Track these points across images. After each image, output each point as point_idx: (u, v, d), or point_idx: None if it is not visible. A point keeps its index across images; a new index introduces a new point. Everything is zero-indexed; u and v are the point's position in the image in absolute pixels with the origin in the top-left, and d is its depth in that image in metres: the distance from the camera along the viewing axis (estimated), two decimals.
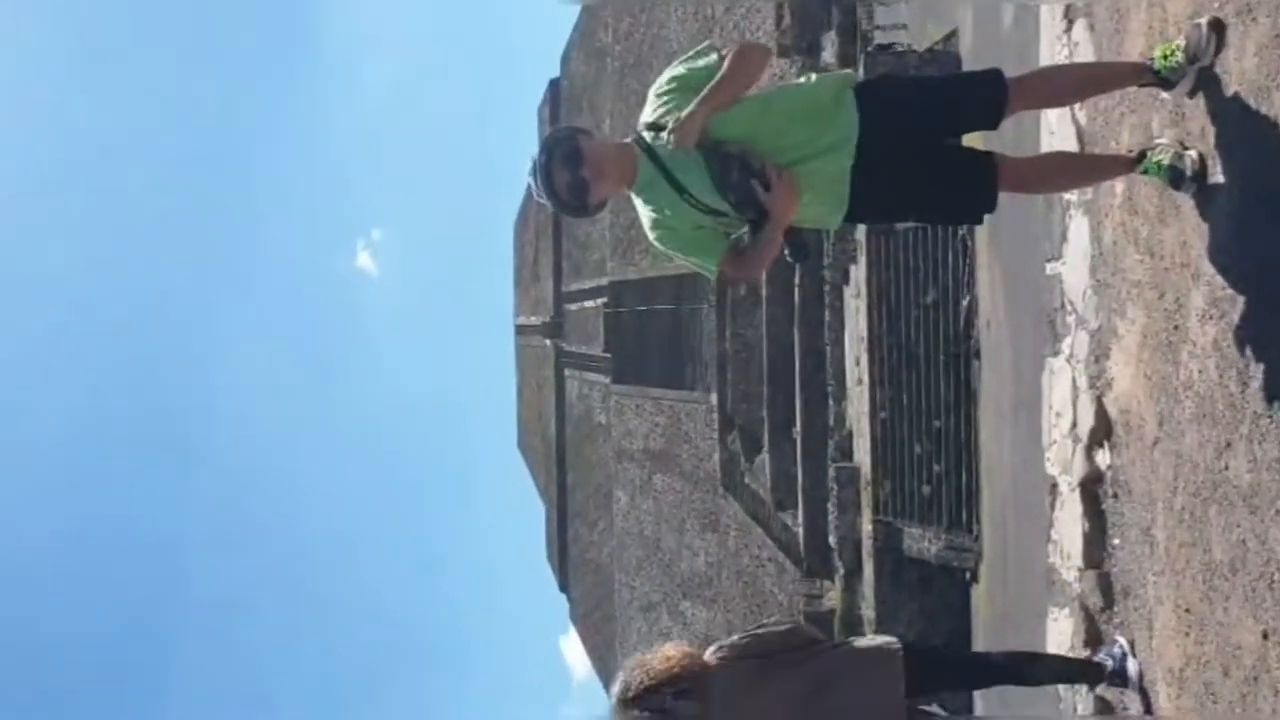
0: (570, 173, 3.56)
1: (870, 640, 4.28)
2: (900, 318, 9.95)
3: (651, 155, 3.60)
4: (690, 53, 3.74)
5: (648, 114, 3.69)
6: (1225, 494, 3.72)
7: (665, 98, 3.64)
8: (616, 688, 3.72)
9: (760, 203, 3.50)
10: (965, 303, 8.96)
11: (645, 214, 3.73)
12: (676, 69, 3.69)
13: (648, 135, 3.63)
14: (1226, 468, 3.72)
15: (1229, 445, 3.71)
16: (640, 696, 3.64)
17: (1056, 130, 5.09)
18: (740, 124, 3.55)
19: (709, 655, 3.87)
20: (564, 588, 25.10)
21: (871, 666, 3.87)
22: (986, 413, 8.30)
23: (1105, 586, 4.67)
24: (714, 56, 3.63)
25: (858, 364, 10.69)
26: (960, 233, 8.83)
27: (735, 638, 3.94)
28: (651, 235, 3.76)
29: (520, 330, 27.92)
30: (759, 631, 3.95)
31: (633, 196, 3.73)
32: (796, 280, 12.81)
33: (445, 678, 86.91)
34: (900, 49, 12.52)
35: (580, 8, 22.42)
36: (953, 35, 10.37)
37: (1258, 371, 3.54)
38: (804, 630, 4.16)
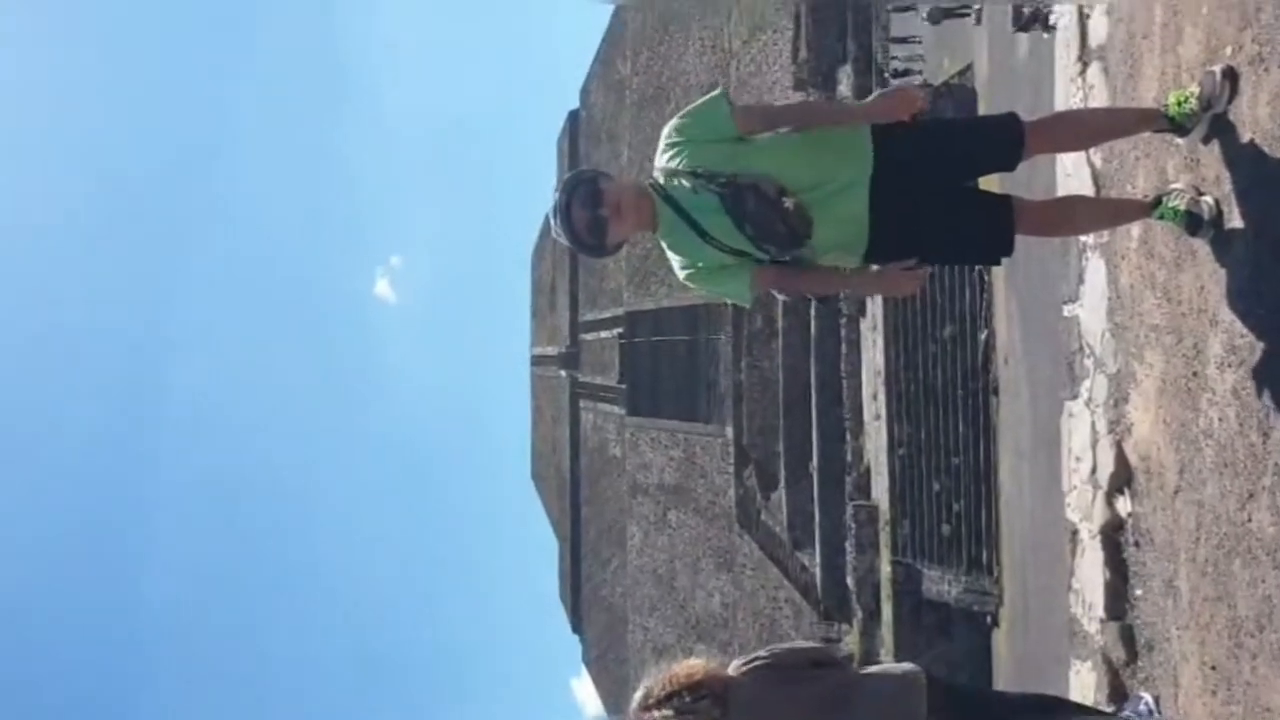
0: (589, 212, 3.60)
1: (895, 666, 4.25)
2: (918, 351, 9.88)
3: (670, 201, 3.61)
4: (700, 101, 3.73)
5: (660, 160, 3.69)
6: (1249, 547, 3.63)
7: (676, 147, 3.64)
8: (638, 694, 3.72)
9: (779, 234, 3.51)
10: (983, 337, 8.88)
11: (673, 257, 3.78)
12: (685, 118, 3.68)
13: (663, 180, 3.63)
14: (1250, 519, 3.64)
15: (1251, 496, 3.63)
16: (662, 701, 3.64)
17: (1072, 173, 5.04)
18: (758, 159, 3.56)
19: (732, 668, 3.87)
20: (577, 629, 24.95)
21: (895, 688, 3.82)
22: (1005, 450, 8.22)
23: (1128, 639, 4.58)
24: (725, 107, 3.63)
25: (875, 398, 10.61)
26: (977, 267, 8.77)
27: (759, 652, 3.93)
28: (681, 275, 3.81)
29: (536, 360, 27.94)
30: (783, 647, 3.95)
31: (660, 241, 3.76)
32: (812, 312, 12.76)
33: (455, 716, 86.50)
34: (916, 81, 12.54)
35: (601, 41, 22.54)
36: (968, 69, 10.37)
37: (1278, 421, 3.47)
38: (828, 650, 4.18)
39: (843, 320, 11.96)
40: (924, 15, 12.44)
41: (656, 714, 3.65)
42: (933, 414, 9.42)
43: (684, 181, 3.57)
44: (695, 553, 16.60)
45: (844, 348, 11.91)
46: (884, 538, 9.77)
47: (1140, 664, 4.50)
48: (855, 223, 3.58)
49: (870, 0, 13.86)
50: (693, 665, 3.79)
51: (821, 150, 3.61)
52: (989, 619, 8.27)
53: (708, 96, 3.74)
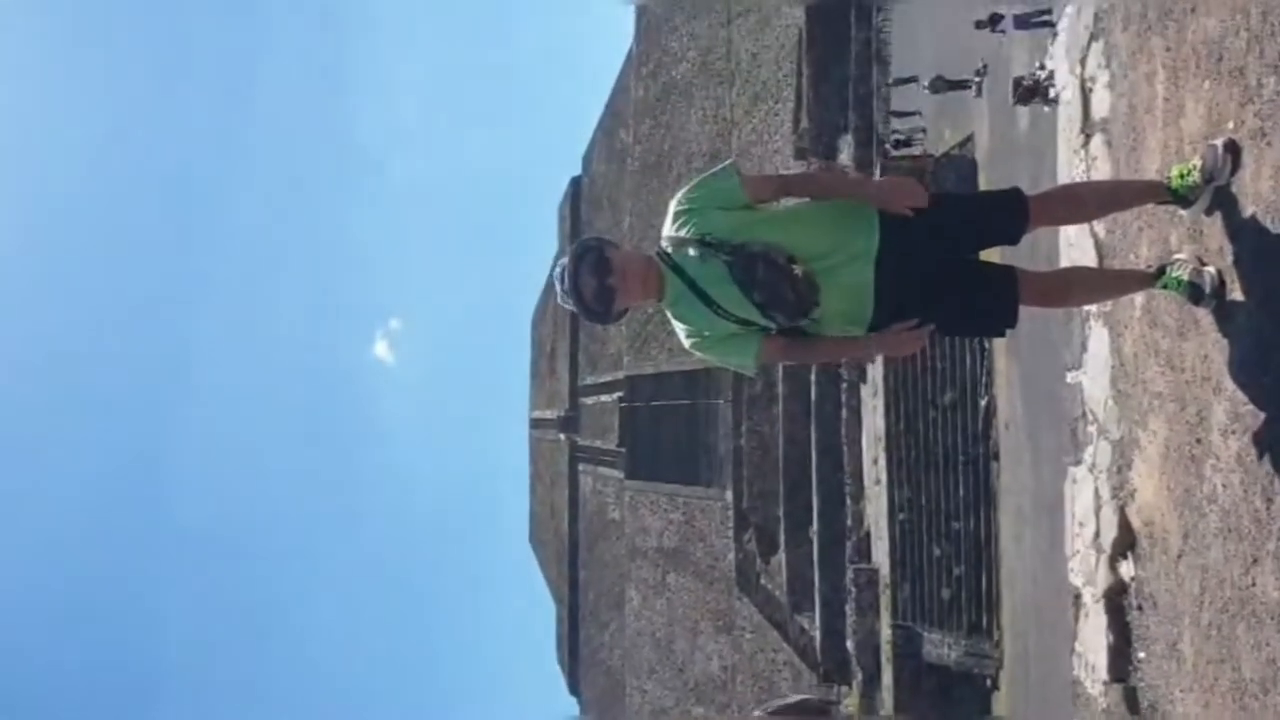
0: (597, 280, 3.64)
1: None
2: (918, 417, 9.96)
3: (677, 271, 3.66)
4: (709, 173, 3.81)
5: (669, 229, 3.76)
6: (1254, 611, 3.67)
7: (685, 216, 3.71)
8: None
9: (787, 301, 3.56)
10: (984, 403, 8.97)
11: (679, 326, 3.82)
12: (694, 189, 3.75)
13: (671, 250, 3.70)
14: (1254, 584, 3.68)
15: (1255, 561, 3.68)
16: None
17: (1075, 243, 5.14)
18: (766, 230, 3.63)
19: None
20: (574, 690, 24.68)
21: None
22: (1006, 515, 8.26)
23: (1132, 701, 4.59)
24: (735, 178, 3.72)
25: (875, 463, 10.66)
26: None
27: (754, 712, 3.94)
28: (687, 344, 3.84)
29: (535, 424, 27.90)
30: (773, 704, 3.96)
31: (666, 312, 3.81)
32: (813, 376, 12.84)
33: None
34: (917, 151, 12.77)
35: (604, 108, 22.89)
36: (969, 140, 10.58)
37: None
38: (815, 703, 4.19)
39: (843, 385, 12.03)
40: (925, 84, 12.69)
41: None
42: (933, 479, 9.47)
43: (691, 251, 3.62)
44: (694, 616, 16.47)
45: (844, 412, 11.96)
46: (884, 601, 9.75)
47: None
48: (860, 293, 3.64)
49: (871, 73, 14.14)
50: None
51: (829, 222, 3.68)
52: (989, 682, 8.26)
53: (717, 168, 3.82)
